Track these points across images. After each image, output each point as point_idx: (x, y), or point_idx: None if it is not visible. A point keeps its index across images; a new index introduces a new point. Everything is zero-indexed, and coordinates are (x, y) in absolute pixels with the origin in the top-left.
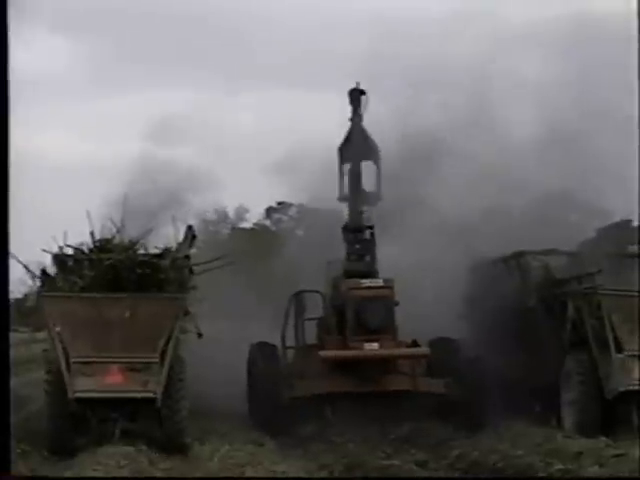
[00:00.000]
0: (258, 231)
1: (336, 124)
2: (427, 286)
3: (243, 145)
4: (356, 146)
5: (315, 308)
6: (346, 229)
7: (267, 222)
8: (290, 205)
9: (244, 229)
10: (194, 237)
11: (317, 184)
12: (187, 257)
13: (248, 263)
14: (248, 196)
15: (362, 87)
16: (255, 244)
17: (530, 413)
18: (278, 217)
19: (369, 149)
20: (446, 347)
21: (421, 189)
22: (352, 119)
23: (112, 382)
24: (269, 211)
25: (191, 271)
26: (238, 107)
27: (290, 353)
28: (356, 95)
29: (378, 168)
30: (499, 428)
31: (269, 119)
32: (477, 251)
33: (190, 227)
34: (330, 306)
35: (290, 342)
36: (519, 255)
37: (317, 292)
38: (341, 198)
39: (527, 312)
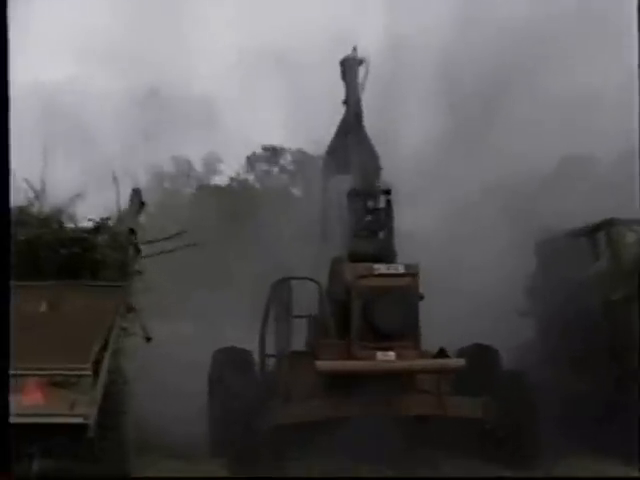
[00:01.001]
0: (236, 190)
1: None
2: (469, 272)
3: (209, 58)
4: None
5: (307, 302)
6: (353, 194)
7: (249, 176)
8: (282, 151)
9: (216, 187)
10: (142, 204)
11: (323, 119)
12: (132, 231)
13: (220, 236)
14: (221, 139)
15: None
16: (231, 208)
17: (610, 446)
18: (265, 169)
19: (371, 155)
20: (483, 357)
21: (466, 143)
22: (346, 101)
23: (28, 403)
24: (251, 160)
25: (137, 250)
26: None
27: (271, 363)
28: (352, 65)
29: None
30: (573, 466)
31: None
32: (544, 222)
33: (136, 191)
34: (329, 300)
35: (271, 348)
36: (607, 225)
37: (310, 280)
38: (323, 228)
39: (614, 306)
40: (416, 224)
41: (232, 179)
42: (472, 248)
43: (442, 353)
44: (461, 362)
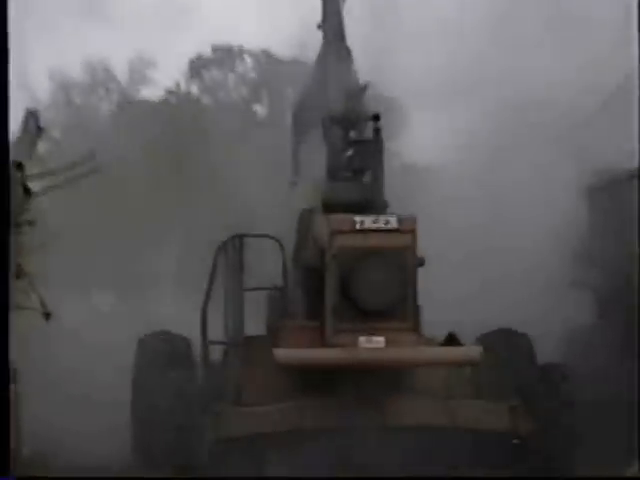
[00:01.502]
0: (175, 107)
1: None
2: (497, 228)
3: None
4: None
5: (267, 270)
6: (328, 122)
7: (193, 88)
8: (240, 53)
9: (146, 102)
10: (40, 130)
11: (298, 9)
12: (19, 165)
13: (152, 173)
14: (154, 35)
15: None
16: (167, 133)
17: None
18: (214, 77)
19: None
20: (509, 347)
21: (494, 44)
22: (322, 25)
23: None
24: (197, 65)
25: (27, 191)
26: None
27: (217, 353)
28: None
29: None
30: None
31: None
32: (602, 159)
33: (32, 113)
34: (296, 265)
35: (217, 332)
36: None
37: (271, 238)
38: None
39: None
40: (422, 159)
41: (169, 92)
42: (502, 193)
43: (452, 340)
44: (477, 352)
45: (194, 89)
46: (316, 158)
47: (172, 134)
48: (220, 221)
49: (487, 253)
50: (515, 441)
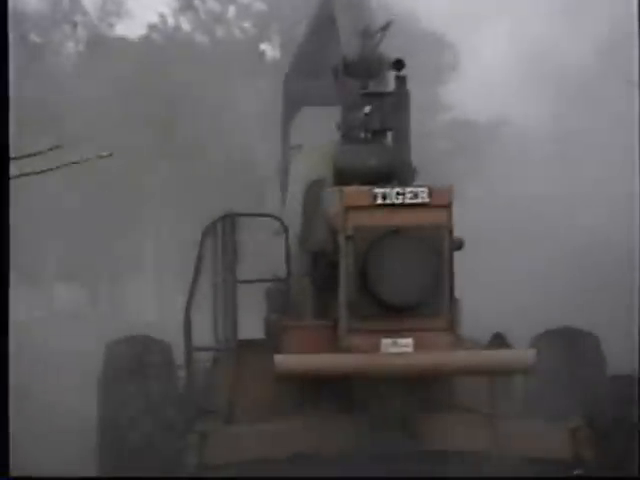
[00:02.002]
0: (159, 47)
1: None
2: (561, 200)
3: None
4: None
5: (266, 256)
6: (340, 70)
7: (184, 23)
8: None
9: (123, 41)
10: None
11: None
12: None
13: (129, 134)
14: None
15: None
16: (150, 82)
17: None
18: (210, 9)
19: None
20: (573, 351)
21: None
22: None
23: None
24: None
25: None
26: None
27: (204, 361)
28: None
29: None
30: None
31: None
32: None
33: None
34: (302, 250)
35: (204, 335)
36: None
37: (269, 216)
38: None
39: None
40: (476, 113)
41: (152, 28)
42: (572, 152)
43: (499, 342)
44: (531, 357)
45: (185, 24)
46: (325, 116)
47: (156, 82)
48: (213, 196)
49: (546, 231)
50: (577, 472)
